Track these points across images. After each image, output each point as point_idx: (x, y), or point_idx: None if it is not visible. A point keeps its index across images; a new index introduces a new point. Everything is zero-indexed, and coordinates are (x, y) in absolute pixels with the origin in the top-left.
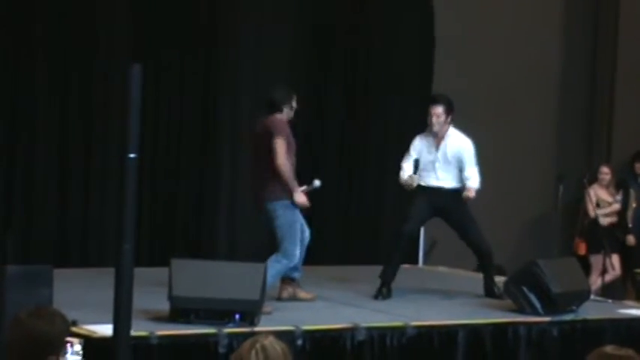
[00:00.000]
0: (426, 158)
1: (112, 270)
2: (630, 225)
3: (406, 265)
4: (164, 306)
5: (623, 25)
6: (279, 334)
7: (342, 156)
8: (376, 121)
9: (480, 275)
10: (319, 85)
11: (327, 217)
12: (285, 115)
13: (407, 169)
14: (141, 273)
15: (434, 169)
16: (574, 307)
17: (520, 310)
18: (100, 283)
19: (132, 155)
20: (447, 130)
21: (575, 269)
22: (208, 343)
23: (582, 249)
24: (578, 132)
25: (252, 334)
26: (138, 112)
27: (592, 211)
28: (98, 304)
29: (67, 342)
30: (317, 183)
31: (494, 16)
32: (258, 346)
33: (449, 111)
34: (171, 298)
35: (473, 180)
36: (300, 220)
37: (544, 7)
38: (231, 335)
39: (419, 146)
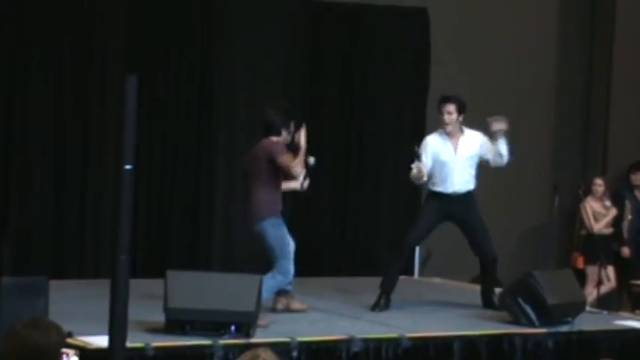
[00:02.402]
0: (441, 161)
1: (107, 281)
2: (626, 236)
3: (402, 277)
4: (160, 317)
5: (619, 36)
6: (274, 346)
7: (337, 163)
8: (372, 125)
9: (477, 287)
10: (315, 88)
11: (323, 228)
12: (282, 138)
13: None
14: (136, 284)
15: (450, 172)
16: (569, 319)
17: (515, 322)
18: (96, 294)
19: (127, 166)
20: (459, 128)
21: (571, 280)
22: (204, 355)
23: (580, 262)
24: (573, 143)
25: (248, 345)
26: (134, 124)
27: (592, 227)
28: (94, 315)
29: (63, 353)
30: (311, 160)
31: (490, 28)
32: (262, 356)
33: (460, 109)
34: (166, 309)
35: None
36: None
37: (539, 19)
38: (226, 347)
39: (433, 148)
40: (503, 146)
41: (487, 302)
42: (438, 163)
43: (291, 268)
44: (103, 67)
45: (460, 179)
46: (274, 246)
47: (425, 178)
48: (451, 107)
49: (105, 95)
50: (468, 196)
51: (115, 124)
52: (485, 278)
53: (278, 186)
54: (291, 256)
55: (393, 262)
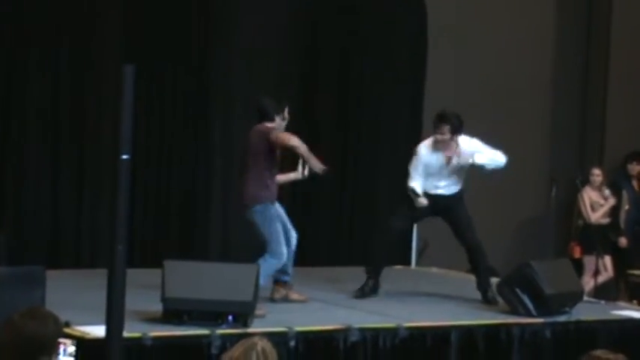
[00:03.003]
0: (434, 167)
1: (104, 271)
2: (623, 226)
3: (399, 266)
4: (157, 307)
5: (615, 28)
6: (272, 335)
7: (334, 158)
8: (369, 123)
9: (474, 277)
10: (312, 83)
11: (321, 218)
12: (277, 124)
13: (417, 186)
14: (134, 274)
15: (441, 176)
16: (567, 309)
17: (513, 312)
18: (93, 284)
19: (124, 156)
20: (454, 144)
21: (568, 270)
22: (201, 344)
23: (577, 252)
24: (570, 134)
25: (245, 335)
26: (131, 113)
27: (589, 217)
28: (91, 305)
29: (60, 343)
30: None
31: (488, 21)
32: (259, 348)
33: (455, 130)
34: (164, 299)
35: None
36: (281, 219)
37: (537, 12)
38: (224, 336)
39: (427, 157)
40: (491, 166)
41: (485, 297)
42: (427, 172)
43: (284, 251)
44: (100, 62)
45: (449, 183)
46: (264, 231)
47: (425, 202)
48: (444, 128)
49: (102, 90)
50: (456, 194)
51: (112, 116)
52: (477, 272)
53: (269, 173)
54: (282, 239)
55: (377, 249)
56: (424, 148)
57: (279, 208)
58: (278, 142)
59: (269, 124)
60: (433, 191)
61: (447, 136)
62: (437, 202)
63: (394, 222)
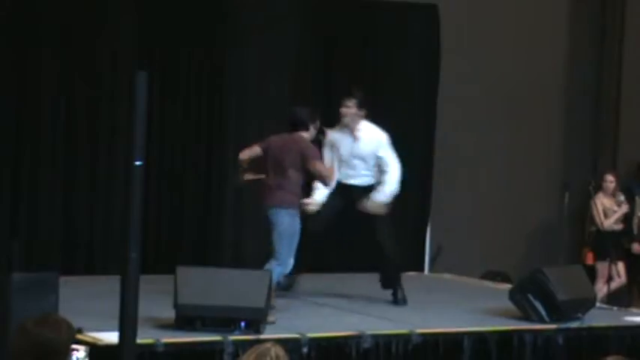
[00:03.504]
0: (342, 153)
1: (117, 277)
2: (636, 232)
3: (412, 273)
4: (170, 314)
5: (629, 33)
6: (284, 342)
7: None
8: (383, 122)
9: (487, 283)
10: (326, 86)
11: (333, 224)
12: (310, 133)
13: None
14: (147, 280)
15: (350, 165)
16: (580, 315)
17: (526, 318)
18: (106, 290)
19: (138, 163)
20: (359, 124)
21: (581, 277)
22: (214, 351)
23: (590, 258)
24: (584, 140)
25: (258, 341)
26: (144, 120)
27: (602, 223)
28: (104, 311)
29: (73, 349)
30: None
31: (500, 24)
32: (272, 354)
33: (361, 105)
34: (176, 305)
35: (382, 191)
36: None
37: (549, 16)
38: (236, 343)
39: (332, 141)
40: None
41: (394, 297)
42: (337, 157)
43: (291, 263)
44: (114, 66)
45: (360, 173)
46: (284, 236)
47: (314, 208)
48: (350, 102)
49: (115, 95)
50: (369, 186)
51: (126, 122)
52: (382, 270)
53: (302, 180)
54: (293, 252)
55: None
56: (330, 132)
57: None
58: (316, 170)
59: (304, 134)
60: (346, 180)
61: (353, 110)
62: (349, 193)
63: (310, 224)
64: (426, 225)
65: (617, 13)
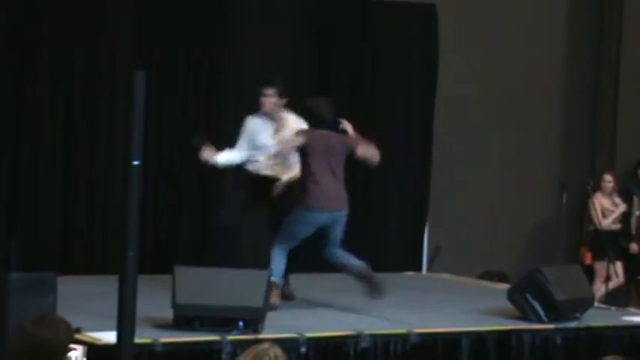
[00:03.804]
0: (261, 142)
1: (115, 277)
2: (634, 232)
3: (410, 273)
4: (168, 313)
5: (627, 33)
6: (282, 342)
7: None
8: (381, 123)
9: (485, 283)
10: (323, 87)
11: None
12: None
13: (225, 156)
14: (145, 280)
15: (268, 152)
16: (578, 315)
17: (524, 318)
18: (104, 290)
19: (136, 162)
20: (282, 112)
21: (579, 276)
22: (212, 351)
23: (588, 258)
24: (582, 139)
25: (256, 341)
26: (142, 119)
27: (600, 223)
28: (102, 311)
29: (71, 349)
30: None
31: (498, 27)
32: (271, 354)
33: (282, 93)
34: (174, 305)
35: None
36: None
37: (547, 15)
38: (234, 342)
39: (252, 126)
40: None
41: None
42: (253, 145)
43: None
44: (113, 66)
45: (280, 165)
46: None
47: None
48: (269, 90)
49: (114, 94)
50: (289, 184)
51: (124, 121)
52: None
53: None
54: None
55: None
56: (251, 117)
57: None
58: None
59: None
60: (265, 171)
61: (273, 99)
62: (264, 184)
63: (218, 218)
64: (424, 225)
65: (615, 14)
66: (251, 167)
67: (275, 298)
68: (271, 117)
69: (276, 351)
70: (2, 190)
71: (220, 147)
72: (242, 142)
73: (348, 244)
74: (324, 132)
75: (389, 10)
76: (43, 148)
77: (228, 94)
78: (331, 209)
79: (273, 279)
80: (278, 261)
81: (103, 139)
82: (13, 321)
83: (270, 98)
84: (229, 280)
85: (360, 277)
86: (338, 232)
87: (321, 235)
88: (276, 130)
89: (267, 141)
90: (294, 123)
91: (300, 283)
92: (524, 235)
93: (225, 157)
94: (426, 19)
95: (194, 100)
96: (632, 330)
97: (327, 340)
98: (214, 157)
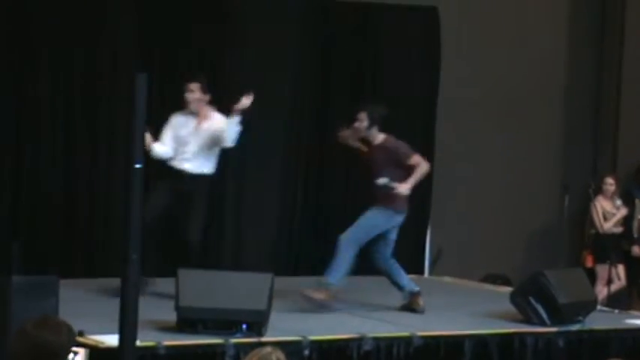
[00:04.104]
0: (183, 132)
1: (118, 280)
2: (636, 235)
3: (412, 276)
4: (171, 316)
5: (629, 34)
6: (286, 345)
7: (346, 163)
8: (383, 125)
9: (487, 286)
10: (325, 89)
11: (333, 225)
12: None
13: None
14: (148, 283)
15: (188, 145)
16: (581, 318)
17: (527, 321)
18: (107, 293)
19: (137, 165)
20: (206, 109)
21: (582, 279)
22: (215, 354)
23: (590, 261)
24: (584, 142)
25: (260, 344)
26: (143, 122)
27: (601, 226)
28: (105, 314)
29: (73, 352)
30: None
31: (499, 28)
32: (274, 358)
33: (205, 89)
34: (178, 308)
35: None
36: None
37: (549, 17)
38: (238, 345)
39: (174, 123)
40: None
41: None
42: (176, 138)
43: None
44: (113, 67)
45: (195, 158)
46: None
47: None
48: (193, 85)
49: (115, 95)
50: (201, 175)
51: (125, 123)
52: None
53: None
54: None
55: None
56: (176, 114)
57: None
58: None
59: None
60: (179, 164)
61: (197, 94)
62: (181, 179)
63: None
64: (426, 228)
65: (617, 15)
66: (174, 163)
67: (325, 298)
68: (195, 114)
69: (279, 355)
70: (4, 192)
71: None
72: (165, 138)
73: None
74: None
75: (391, 12)
76: (45, 149)
77: (228, 94)
78: (406, 210)
79: (332, 281)
80: (345, 261)
81: (104, 140)
82: (15, 324)
83: (194, 94)
84: (233, 282)
85: (404, 295)
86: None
87: (379, 238)
88: (198, 125)
89: (188, 137)
90: (218, 119)
91: (304, 285)
92: (526, 237)
93: (159, 149)
94: (427, 21)
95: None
96: (635, 333)
97: (330, 343)
98: (152, 145)
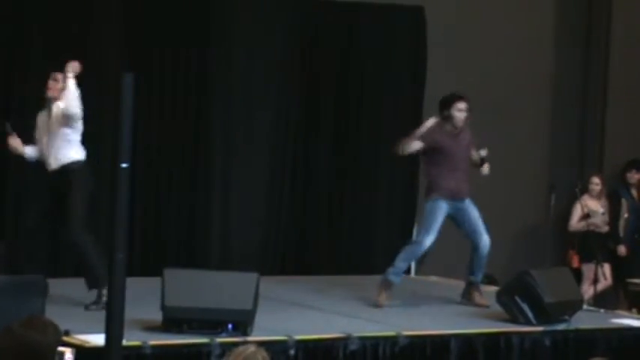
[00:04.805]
0: (42, 117)
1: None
2: (622, 235)
3: None
4: (157, 316)
5: (615, 35)
6: (271, 344)
7: (334, 161)
8: (369, 124)
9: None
10: (312, 87)
11: (320, 225)
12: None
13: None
14: (133, 282)
15: (46, 137)
16: (567, 317)
17: (513, 320)
18: (93, 292)
19: (124, 165)
20: (59, 84)
21: (568, 279)
22: (201, 353)
23: (575, 261)
24: (570, 142)
25: (245, 343)
26: (130, 122)
27: (575, 223)
28: (91, 313)
29: (59, 352)
30: (483, 153)
31: (486, 25)
32: (259, 358)
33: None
34: (163, 307)
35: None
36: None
37: (536, 16)
38: (223, 345)
39: (39, 123)
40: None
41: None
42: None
43: (427, 242)
44: (100, 67)
45: (55, 147)
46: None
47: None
48: (59, 76)
49: (102, 95)
50: (67, 165)
51: (112, 123)
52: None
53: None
54: (434, 233)
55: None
56: (40, 114)
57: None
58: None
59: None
60: (42, 157)
61: (59, 85)
62: (50, 178)
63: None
64: (412, 226)
65: (604, 16)
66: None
67: (384, 299)
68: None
69: (263, 354)
70: None
71: (26, 137)
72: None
73: (336, 245)
74: None
75: (377, 12)
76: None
77: (216, 93)
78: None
79: (391, 278)
80: (405, 258)
81: (91, 140)
82: (2, 324)
83: (57, 84)
84: (218, 282)
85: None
86: None
87: None
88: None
89: (42, 131)
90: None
91: (289, 285)
92: (512, 237)
93: (29, 152)
94: (414, 21)
95: (182, 100)
96: (621, 332)
97: (316, 342)
98: (21, 148)
